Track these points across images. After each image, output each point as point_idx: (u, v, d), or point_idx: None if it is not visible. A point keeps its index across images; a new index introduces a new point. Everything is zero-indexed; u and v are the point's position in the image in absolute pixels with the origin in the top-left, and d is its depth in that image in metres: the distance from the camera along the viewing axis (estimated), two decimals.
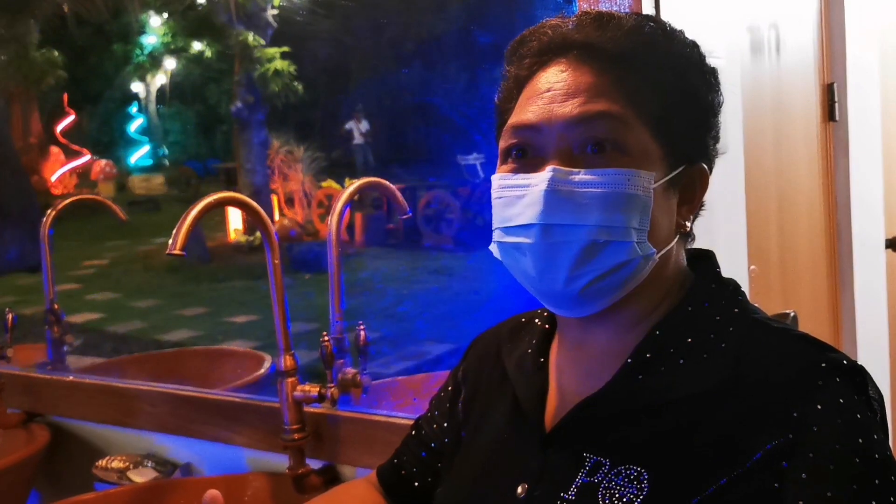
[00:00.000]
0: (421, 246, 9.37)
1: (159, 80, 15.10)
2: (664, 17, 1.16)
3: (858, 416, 0.70)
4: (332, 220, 1.41)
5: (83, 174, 13.32)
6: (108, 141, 15.56)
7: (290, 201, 10.45)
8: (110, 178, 13.92)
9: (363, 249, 9.13)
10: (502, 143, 0.84)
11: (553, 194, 0.76)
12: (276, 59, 10.03)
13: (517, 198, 0.79)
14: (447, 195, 9.83)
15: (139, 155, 15.83)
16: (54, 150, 12.44)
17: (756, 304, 0.85)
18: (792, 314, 1.59)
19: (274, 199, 10.26)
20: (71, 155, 12.68)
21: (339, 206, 1.42)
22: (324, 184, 10.59)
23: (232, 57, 10.57)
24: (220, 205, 1.22)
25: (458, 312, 6.64)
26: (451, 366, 1.08)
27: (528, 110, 0.81)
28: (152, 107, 15.65)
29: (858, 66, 2.17)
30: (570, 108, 0.78)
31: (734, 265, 1.43)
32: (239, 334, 6.31)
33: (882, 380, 2.33)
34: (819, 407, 0.70)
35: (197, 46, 13.51)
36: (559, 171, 0.77)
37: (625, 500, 0.74)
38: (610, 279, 0.78)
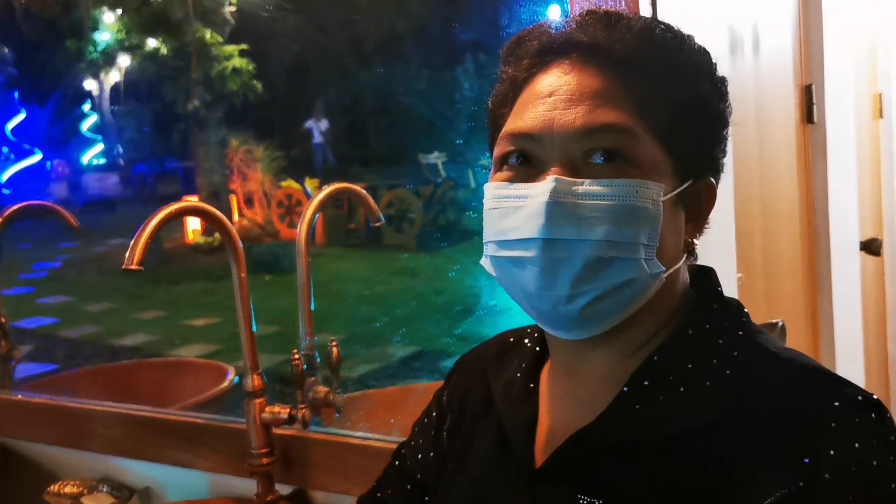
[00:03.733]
0: (383, 246, 9.28)
1: (113, 77, 14.78)
2: (660, 10, 1.10)
3: (875, 462, 0.64)
4: (302, 227, 1.32)
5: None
6: (61, 139, 15.20)
7: (249, 201, 10.29)
8: (62, 177, 13.59)
9: (324, 250, 9.01)
10: (497, 151, 0.76)
11: (556, 206, 0.69)
12: (235, 57, 9.85)
13: (515, 209, 0.72)
14: (409, 195, 9.75)
15: (92, 154, 15.49)
16: None
17: None
18: (780, 324, 1.54)
19: (233, 199, 10.09)
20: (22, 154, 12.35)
21: (308, 213, 1.34)
22: (283, 184, 10.44)
23: (188, 54, 10.38)
24: (180, 215, 1.13)
25: (421, 314, 6.57)
26: (416, 370, 1.00)
27: (526, 116, 0.74)
28: (106, 105, 15.31)
29: (836, 67, 2.15)
30: (573, 116, 0.71)
31: (724, 274, 1.36)
32: (199, 338, 6.16)
33: (857, 380, 2.31)
34: (832, 452, 0.64)
35: (152, 43, 13.23)
36: (562, 182, 0.70)
37: None
38: (614, 298, 0.72)
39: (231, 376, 2.03)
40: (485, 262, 0.77)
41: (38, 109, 14.22)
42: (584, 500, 0.72)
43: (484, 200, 0.77)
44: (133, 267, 1.03)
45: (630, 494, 0.70)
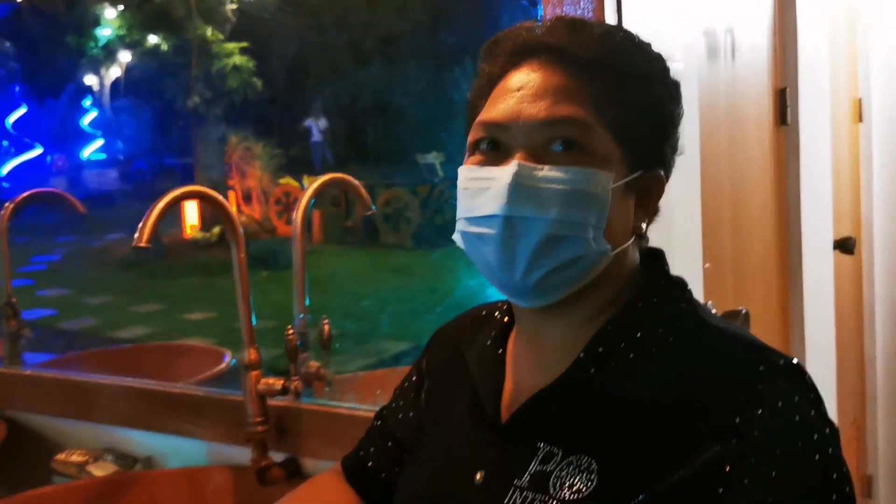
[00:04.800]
0: (380, 244, 9.37)
1: (114, 73, 14.84)
2: (625, 20, 1.20)
3: (797, 418, 0.73)
4: (298, 215, 1.42)
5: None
6: (61, 134, 15.26)
7: (247, 198, 10.38)
8: (62, 172, 13.66)
9: (321, 247, 9.10)
10: (471, 137, 0.86)
11: (517, 188, 0.79)
12: (235, 55, 9.93)
13: (482, 189, 0.81)
14: (406, 193, 9.84)
15: (93, 149, 15.55)
16: None
17: (710, 301, 0.88)
18: (744, 311, 1.64)
19: (231, 195, 10.17)
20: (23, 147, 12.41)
21: (303, 201, 1.43)
22: (282, 181, 10.53)
23: (189, 51, 10.45)
24: (186, 198, 1.23)
25: (417, 310, 6.66)
26: (412, 363, 1.10)
27: (497, 107, 0.83)
28: (107, 100, 15.37)
29: (809, 71, 2.24)
30: (537, 109, 0.81)
31: (689, 263, 1.47)
32: (196, 331, 6.25)
33: (828, 373, 2.41)
34: (759, 412, 0.72)
35: (153, 40, 13.31)
36: (524, 167, 0.79)
37: (574, 488, 0.76)
38: (566, 272, 0.81)
39: (228, 359, 2.12)
40: (456, 237, 0.86)
41: (39, 104, 14.30)
42: (543, 446, 0.81)
43: (458, 181, 0.87)
44: (142, 244, 1.12)
45: (585, 444, 0.79)
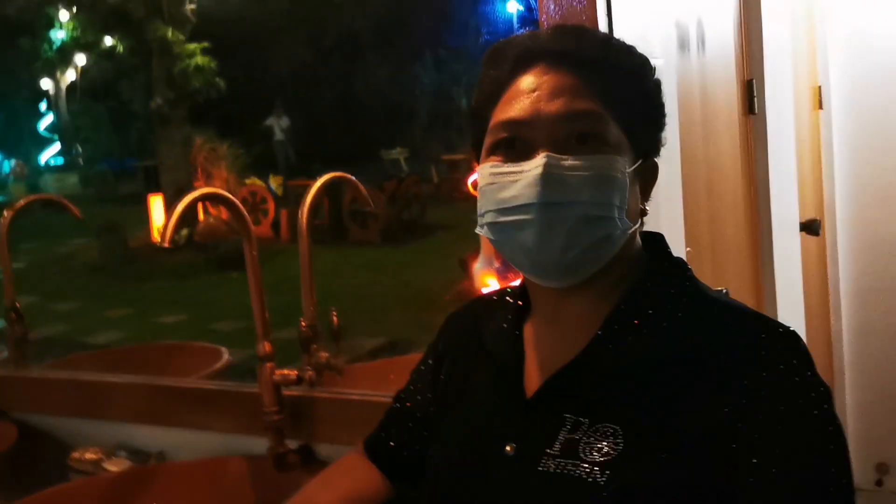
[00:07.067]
0: (348, 241, 9.38)
1: (69, 76, 14.62)
2: (616, 19, 1.28)
3: (797, 378, 0.83)
4: (303, 212, 1.48)
5: None
6: (17, 139, 15.01)
7: None
8: (21, 177, 13.45)
9: (289, 246, 9.08)
10: (490, 138, 0.94)
11: (549, 176, 0.87)
12: (197, 55, 9.87)
13: (512, 182, 0.89)
14: (372, 191, 9.85)
15: (50, 153, 15.32)
16: None
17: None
18: (724, 291, 1.73)
19: None
20: None
21: (308, 199, 1.49)
22: (248, 181, 10.49)
23: (145, 52, 10.34)
24: (205, 199, 1.29)
25: (388, 306, 6.71)
26: (388, 358, 1.17)
27: (515, 107, 0.91)
28: (62, 103, 15.15)
29: (774, 62, 2.34)
30: (556, 106, 0.89)
31: (673, 247, 1.55)
32: (170, 334, 6.23)
33: None
34: (765, 374, 0.82)
35: (108, 41, 13.14)
36: (552, 157, 0.88)
37: (603, 452, 0.85)
38: (598, 250, 0.90)
39: (226, 357, 2.17)
40: (480, 230, 0.94)
41: None
42: (570, 417, 0.89)
43: (478, 179, 0.95)
44: (166, 244, 1.18)
45: (609, 413, 0.87)
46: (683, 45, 1.89)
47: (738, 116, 2.23)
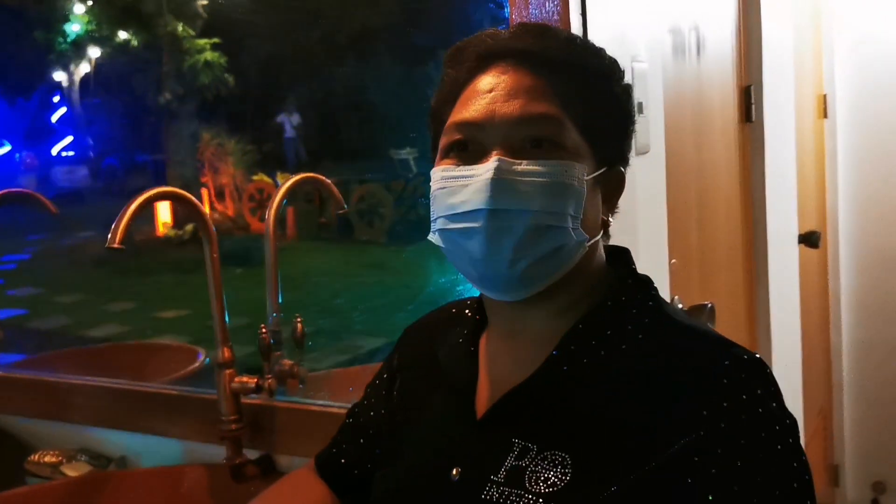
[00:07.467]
0: (354, 240, 9.36)
1: (83, 69, 14.66)
2: (590, 19, 1.23)
3: (761, 410, 0.76)
4: (270, 213, 1.43)
5: None
6: (30, 131, 15.06)
7: (220, 195, 10.31)
8: (32, 169, 13.48)
9: (295, 244, 9.06)
10: (444, 140, 0.88)
11: (499, 182, 0.81)
12: (207, 51, 9.86)
13: (462, 187, 0.84)
14: (380, 189, 9.82)
15: (62, 146, 15.36)
16: None
17: (676, 296, 0.91)
18: (709, 305, 1.67)
19: (204, 192, 10.10)
20: None
21: (276, 200, 1.45)
22: (255, 177, 10.47)
23: (159, 47, 10.36)
24: (158, 199, 1.24)
25: (391, 306, 6.66)
26: (384, 359, 1.12)
27: (470, 109, 0.86)
28: (76, 97, 15.19)
29: (774, 69, 2.28)
30: (512, 108, 0.84)
31: (655, 259, 1.50)
32: (170, 329, 6.21)
33: (794, 364, 2.46)
34: (725, 405, 0.76)
35: (123, 35, 13.16)
36: (504, 162, 0.82)
37: (549, 482, 0.79)
38: (548, 262, 0.84)
39: (202, 358, 2.12)
40: (433, 237, 0.89)
41: (6, 101, 14.10)
42: (518, 442, 0.83)
43: (431, 183, 0.89)
44: (115, 245, 1.13)
45: (559, 439, 0.81)
46: (678, 50, 1.84)
47: (734, 124, 2.17)
